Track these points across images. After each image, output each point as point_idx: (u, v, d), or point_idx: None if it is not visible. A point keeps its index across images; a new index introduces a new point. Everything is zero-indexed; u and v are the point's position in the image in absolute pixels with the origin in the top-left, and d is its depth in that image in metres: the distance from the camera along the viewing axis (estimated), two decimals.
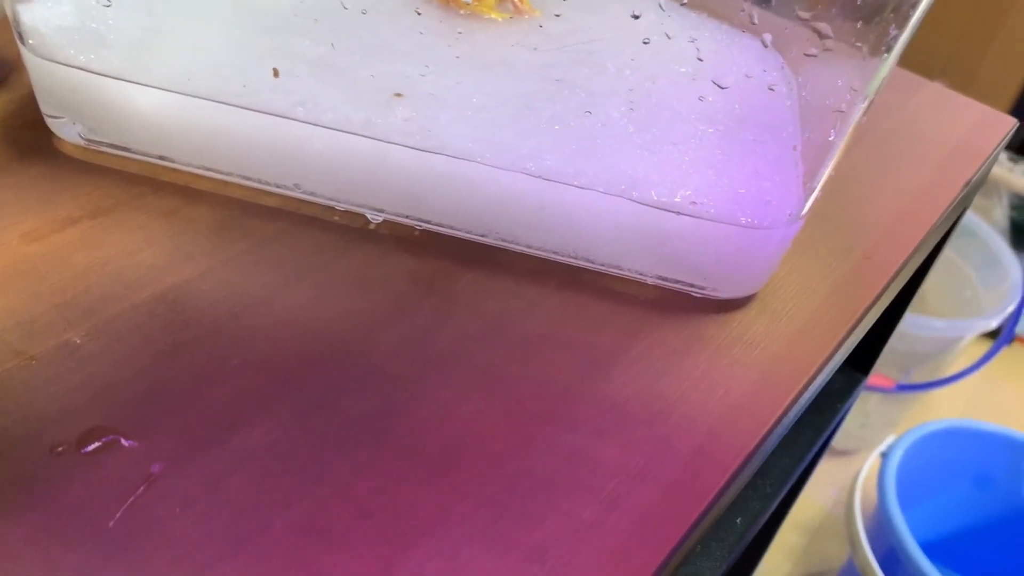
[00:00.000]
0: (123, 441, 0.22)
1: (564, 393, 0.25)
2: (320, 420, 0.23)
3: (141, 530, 0.20)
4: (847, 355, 0.32)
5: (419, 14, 0.29)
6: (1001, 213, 1.43)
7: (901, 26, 0.23)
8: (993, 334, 1.12)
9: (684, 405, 0.25)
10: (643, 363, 0.26)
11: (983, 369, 1.11)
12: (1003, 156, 1.43)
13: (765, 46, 0.23)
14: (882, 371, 1.09)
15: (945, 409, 1.23)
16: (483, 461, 0.23)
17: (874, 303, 0.30)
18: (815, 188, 0.26)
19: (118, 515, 0.20)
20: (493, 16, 0.32)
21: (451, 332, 0.26)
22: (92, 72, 0.27)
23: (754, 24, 0.24)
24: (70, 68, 0.27)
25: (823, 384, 0.30)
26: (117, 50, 0.28)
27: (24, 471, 0.21)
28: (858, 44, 0.24)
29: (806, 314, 0.29)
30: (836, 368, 0.31)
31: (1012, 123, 0.40)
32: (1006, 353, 1.28)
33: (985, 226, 1.23)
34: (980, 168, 0.37)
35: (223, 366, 0.24)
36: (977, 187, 0.38)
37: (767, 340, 0.27)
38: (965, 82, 1.49)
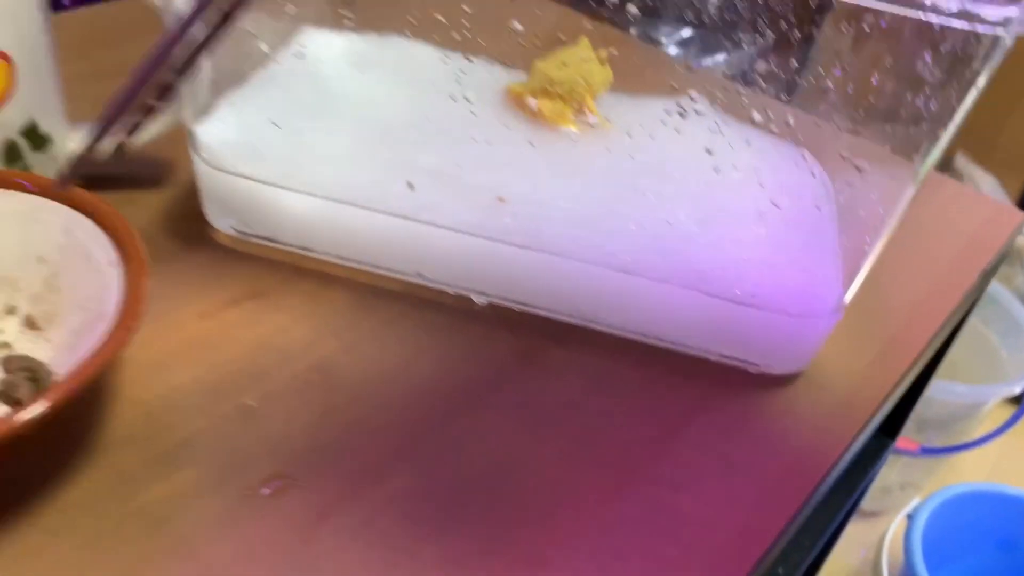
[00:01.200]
0: (296, 486, 0.27)
1: (646, 451, 0.30)
2: (447, 471, 0.28)
3: (321, 555, 0.25)
4: (879, 422, 0.37)
5: (507, 127, 0.35)
6: (1023, 280, 1.46)
7: (927, 153, 0.28)
8: (1017, 399, 1.15)
9: (745, 464, 0.30)
10: (710, 428, 0.31)
11: (1007, 433, 1.14)
12: None
13: (813, 176, 0.29)
14: (907, 434, 1.12)
15: (970, 473, 1.26)
16: (582, 510, 0.28)
17: (903, 378, 0.35)
18: (853, 286, 0.31)
19: (299, 545, 0.25)
20: (572, 128, 0.38)
21: (548, 398, 0.31)
22: (249, 179, 0.33)
23: (790, 128, 0.29)
24: (232, 175, 0.33)
25: (861, 446, 0.35)
26: (271, 161, 0.34)
27: (221, 509, 0.26)
28: (892, 170, 0.29)
29: (845, 388, 0.34)
30: (869, 435, 0.35)
31: (1021, 217, 0.45)
32: None
33: (1007, 293, 1.27)
34: (994, 258, 0.42)
35: (369, 425, 0.29)
36: (992, 274, 0.43)
37: (812, 410, 0.32)
38: (984, 153, 1.54)
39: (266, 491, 0.27)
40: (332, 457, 0.28)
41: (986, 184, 1.55)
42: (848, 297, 0.31)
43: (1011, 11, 0.23)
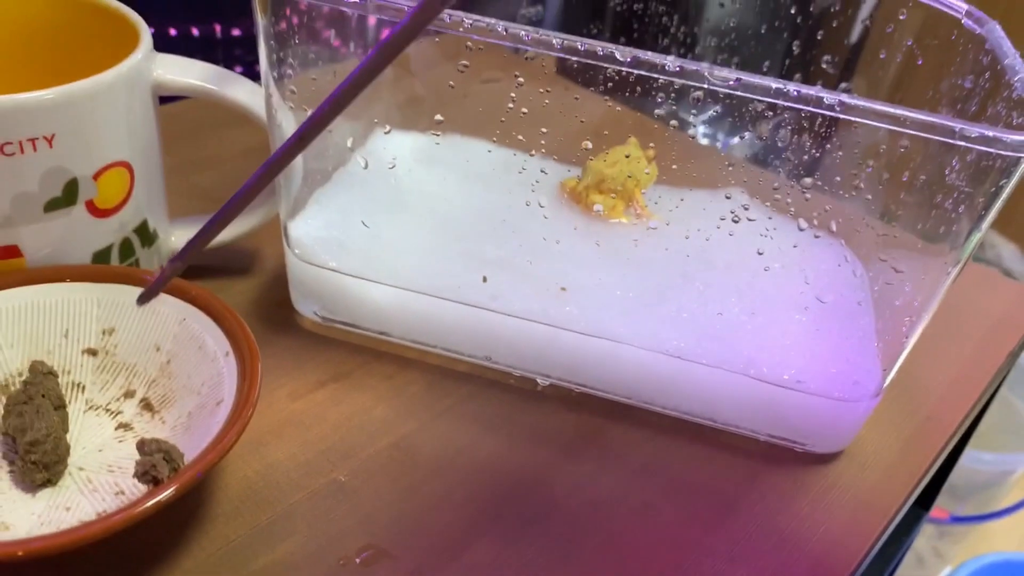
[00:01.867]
0: (386, 556, 0.29)
1: (702, 528, 0.32)
2: (521, 544, 0.31)
3: None
4: (916, 497, 0.39)
5: (567, 221, 0.38)
6: None
7: (960, 253, 0.31)
8: None
9: (794, 538, 0.32)
10: (760, 504, 0.33)
11: None
12: None
13: (855, 276, 0.32)
14: (937, 503, 1.12)
15: (1000, 541, 1.25)
16: None
17: (939, 455, 0.37)
18: (892, 371, 0.33)
19: None
20: (623, 220, 0.41)
21: (609, 476, 0.34)
22: (335, 271, 0.36)
23: (834, 231, 0.32)
24: (320, 268, 0.37)
25: (901, 520, 0.37)
26: (353, 254, 0.37)
27: None
28: (925, 262, 0.32)
29: (884, 465, 0.36)
30: (908, 508, 0.38)
31: None
32: None
33: None
34: (1021, 340, 0.44)
35: (448, 499, 0.32)
36: (1019, 354, 0.46)
37: (855, 487, 0.35)
38: (1005, 220, 1.57)
39: (359, 560, 0.29)
40: (416, 529, 0.30)
41: (1007, 251, 1.58)
42: (887, 383, 0.34)
43: None
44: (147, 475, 0.26)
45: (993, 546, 1.22)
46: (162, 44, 0.35)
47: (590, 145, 0.33)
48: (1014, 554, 1.03)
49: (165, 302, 0.32)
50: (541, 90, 0.33)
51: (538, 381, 0.37)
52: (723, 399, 0.35)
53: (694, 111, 0.29)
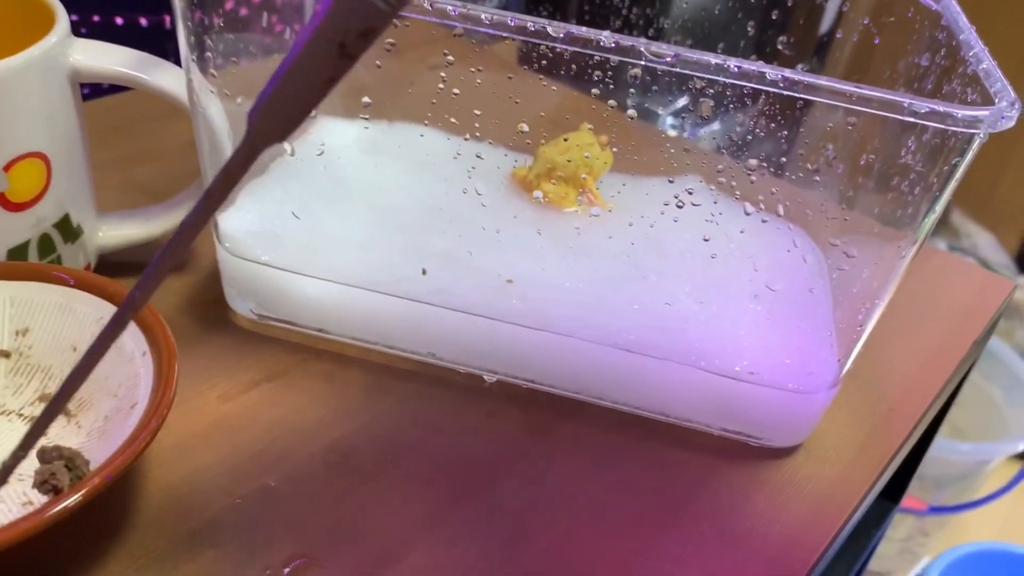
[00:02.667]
0: (316, 565, 0.28)
1: (653, 528, 0.31)
2: (463, 547, 0.29)
3: None
4: (880, 490, 0.38)
5: (514, 211, 0.37)
6: (1023, 335, 1.47)
7: (914, 234, 0.30)
8: (1023, 455, 1.15)
9: (749, 537, 0.31)
10: (713, 502, 0.32)
11: (1015, 491, 1.14)
12: (1022, 280, 1.49)
13: (805, 261, 0.31)
14: (914, 494, 1.12)
15: (978, 531, 1.25)
16: None
17: (900, 448, 0.36)
18: (848, 361, 0.32)
19: None
20: (575, 210, 0.40)
21: (556, 475, 0.32)
22: (270, 266, 0.35)
23: (784, 215, 0.31)
24: (253, 263, 0.35)
25: (863, 515, 0.36)
26: (289, 248, 0.35)
27: None
28: (883, 247, 0.31)
29: (845, 459, 0.35)
30: (872, 502, 0.36)
31: (1011, 286, 0.46)
32: None
33: (1008, 349, 1.28)
34: (985, 328, 0.43)
35: (385, 503, 0.30)
36: (985, 342, 0.45)
37: (813, 482, 0.33)
38: (980, 210, 1.57)
39: (286, 570, 0.28)
40: (349, 535, 0.29)
41: (982, 240, 1.58)
42: (843, 373, 0.33)
43: (981, 113, 0.25)
44: (46, 484, 0.24)
45: (971, 536, 1.22)
46: (107, 35, 0.33)
47: (526, 128, 0.32)
48: (992, 544, 1.03)
49: (82, 300, 0.30)
50: (487, 76, 0.31)
51: (485, 377, 0.36)
52: (675, 392, 0.34)
53: (632, 90, 0.27)
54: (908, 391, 0.39)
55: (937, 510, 1.13)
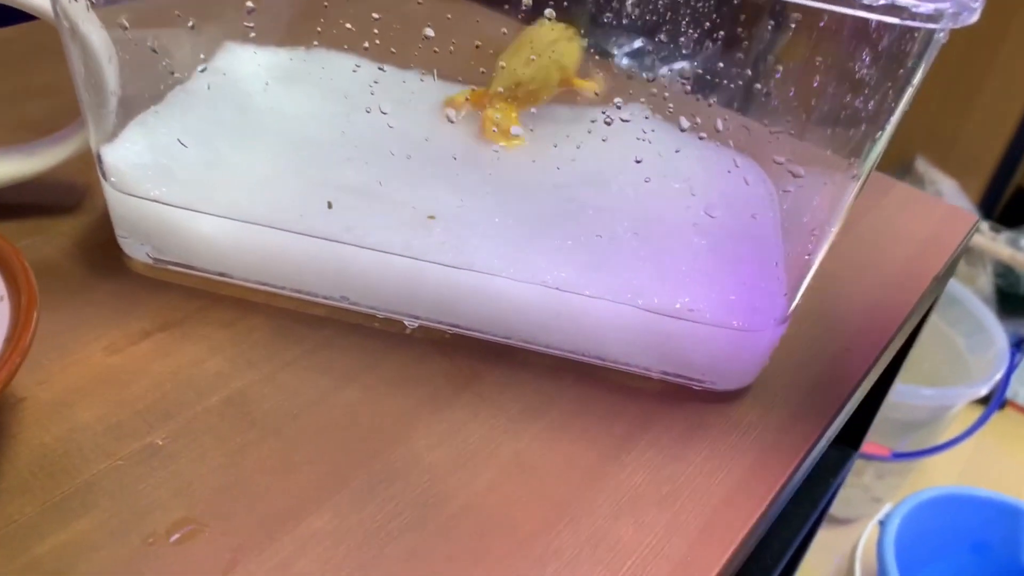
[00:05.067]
0: (205, 531, 0.25)
1: (583, 479, 0.28)
2: (372, 508, 0.26)
3: None
4: (835, 435, 0.35)
5: (438, 142, 0.33)
6: (986, 281, 1.47)
7: (867, 153, 0.27)
8: (985, 400, 1.15)
9: (690, 487, 0.29)
10: (652, 450, 0.29)
11: (977, 435, 1.14)
12: (985, 226, 1.48)
13: (747, 184, 0.28)
14: (878, 440, 1.12)
15: (941, 476, 1.26)
16: (514, 543, 0.26)
17: (855, 390, 0.34)
18: (796, 296, 0.29)
19: None
20: (517, 140, 0.36)
21: (480, 425, 0.29)
22: (162, 203, 0.31)
23: (721, 133, 0.28)
24: (143, 200, 0.31)
25: (814, 462, 0.34)
26: (184, 183, 0.32)
27: (121, 560, 0.24)
28: (835, 174, 0.28)
29: (795, 402, 0.32)
30: (825, 447, 0.34)
31: (974, 219, 0.44)
32: (998, 419, 1.31)
33: (970, 294, 1.28)
34: (947, 262, 0.41)
35: (286, 461, 0.27)
36: (947, 278, 0.42)
37: (761, 427, 0.31)
38: (944, 156, 1.56)
39: (172, 538, 0.25)
40: (245, 498, 0.26)
41: (947, 187, 1.56)
42: (791, 309, 0.30)
43: (943, 5, 0.22)
44: None
45: (934, 481, 1.22)
46: None
47: (424, 38, 0.28)
48: (954, 488, 1.03)
49: None
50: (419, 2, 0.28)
51: (406, 323, 0.32)
52: (610, 334, 0.31)
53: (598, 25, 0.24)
54: (864, 329, 0.36)
55: (900, 456, 1.13)
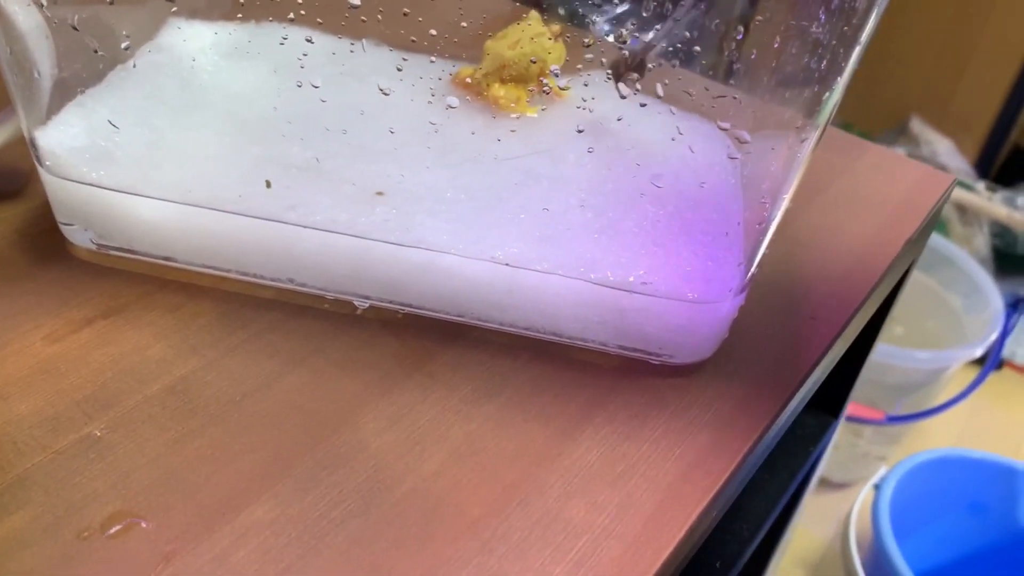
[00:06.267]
0: (142, 524, 0.24)
1: (535, 459, 0.27)
2: (315, 495, 0.26)
3: None
4: (803, 405, 0.35)
5: (363, 114, 0.32)
6: (982, 241, 1.46)
7: (820, 110, 0.26)
8: (981, 361, 1.14)
9: (645, 465, 0.28)
10: (608, 428, 0.29)
11: (973, 396, 1.13)
12: (981, 186, 1.46)
13: (692, 152, 0.27)
14: (873, 403, 1.11)
15: (937, 438, 1.25)
16: (461, 527, 0.25)
17: (819, 359, 0.33)
18: (753, 265, 0.29)
19: None
20: (530, 113, 0.35)
21: (431, 407, 0.29)
22: (101, 187, 0.30)
23: (664, 98, 0.27)
24: (82, 184, 0.30)
25: (780, 434, 0.33)
26: (123, 166, 0.31)
27: (55, 556, 0.23)
28: (794, 136, 0.27)
29: (757, 375, 0.31)
30: (792, 419, 0.33)
31: (950, 179, 0.43)
32: (995, 379, 1.30)
33: (966, 255, 1.26)
34: (921, 225, 0.40)
35: (228, 450, 0.26)
36: (921, 242, 0.41)
37: (720, 401, 0.30)
38: (939, 115, 1.53)
39: (107, 532, 0.24)
40: (184, 489, 0.25)
41: (942, 147, 1.54)
42: (747, 279, 0.29)
43: None
44: None
45: (931, 443, 1.22)
46: None
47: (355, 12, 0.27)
48: (950, 450, 1.02)
49: None
50: None
51: (355, 304, 0.32)
52: (565, 309, 0.30)
53: None
54: (831, 296, 0.35)
55: (895, 419, 1.12)
